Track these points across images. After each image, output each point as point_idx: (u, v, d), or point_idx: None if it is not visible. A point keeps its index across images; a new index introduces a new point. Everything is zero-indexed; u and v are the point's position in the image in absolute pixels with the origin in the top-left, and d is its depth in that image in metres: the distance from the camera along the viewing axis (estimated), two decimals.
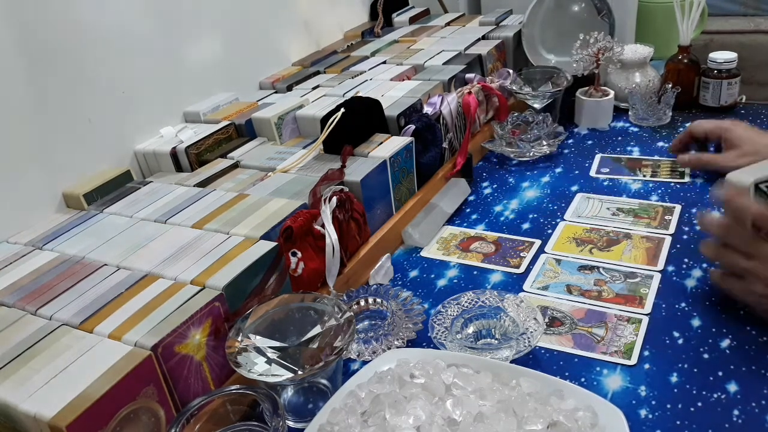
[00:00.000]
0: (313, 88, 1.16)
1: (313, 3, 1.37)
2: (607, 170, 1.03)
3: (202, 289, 0.65)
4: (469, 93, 1.09)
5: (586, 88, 1.22)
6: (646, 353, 0.67)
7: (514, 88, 1.19)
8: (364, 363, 0.67)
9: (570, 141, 1.17)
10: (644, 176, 0.99)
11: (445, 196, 0.99)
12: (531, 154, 1.10)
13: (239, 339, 0.61)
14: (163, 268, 0.69)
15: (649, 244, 0.85)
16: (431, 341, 0.69)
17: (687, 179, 0.95)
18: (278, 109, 1.03)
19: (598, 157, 1.08)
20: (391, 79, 1.15)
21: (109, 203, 0.87)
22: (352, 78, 1.18)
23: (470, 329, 0.72)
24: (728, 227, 0.67)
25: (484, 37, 1.33)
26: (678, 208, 0.92)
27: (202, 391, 0.63)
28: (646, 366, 0.66)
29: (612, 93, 1.20)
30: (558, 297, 0.77)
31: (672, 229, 0.87)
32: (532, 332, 0.68)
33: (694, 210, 0.91)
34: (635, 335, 0.70)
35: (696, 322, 0.71)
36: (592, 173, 1.04)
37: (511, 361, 0.64)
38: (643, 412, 0.61)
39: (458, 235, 0.93)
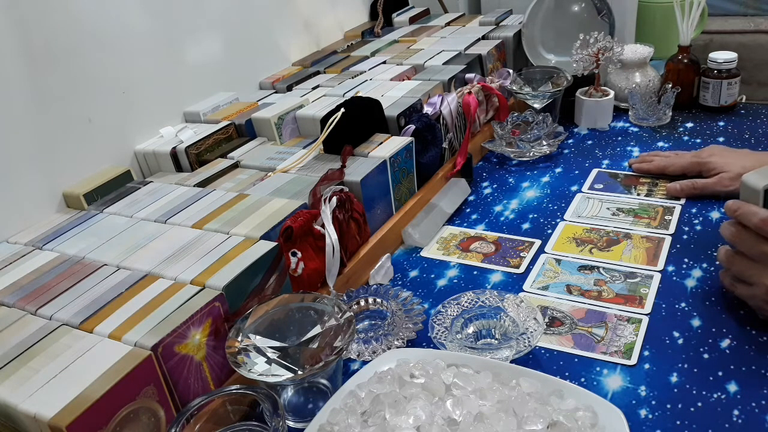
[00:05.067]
0: (313, 88, 1.16)
1: (313, 3, 1.37)
2: (601, 186, 1.00)
3: (202, 289, 0.65)
4: (469, 93, 1.09)
5: (586, 88, 1.22)
6: (646, 353, 0.67)
7: (514, 88, 1.19)
8: (364, 363, 0.67)
9: (570, 141, 1.17)
10: (638, 195, 0.96)
11: (445, 196, 0.99)
12: (531, 154, 1.10)
13: (239, 339, 0.61)
14: (163, 268, 0.69)
15: (649, 244, 0.85)
16: (431, 341, 0.69)
17: (683, 200, 0.94)
18: (278, 109, 1.03)
19: (594, 172, 1.04)
20: (391, 79, 1.15)
21: (109, 203, 0.87)
22: (352, 78, 1.18)
23: (470, 329, 0.72)
24: (739, 233, 0.67)
25: (484, 37, 1.33)
26: (678, 207, 0.92)
27: (202, 391, 0.63)
28: (646, 366, 0.66)
29: (612, 93, 1.20)
30: (558, 297, 0.77)
31: (672, 229, 0.87)
32: (532, 332, 0.68)
33: (694, 210, 0.91)
34: (635, 335, 0.70)
35: (696, 322, 0.71)
36: (585, 189, 1.00)
37: (511, 361, 0.64)
38: (643, 412, 0.61)
39: (458, 235, 0.93)
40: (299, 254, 0.75)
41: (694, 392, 0.62)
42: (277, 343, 0.61)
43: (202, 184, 0.90)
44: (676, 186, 0.95)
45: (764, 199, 0.65)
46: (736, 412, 0.59)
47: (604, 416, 0.54)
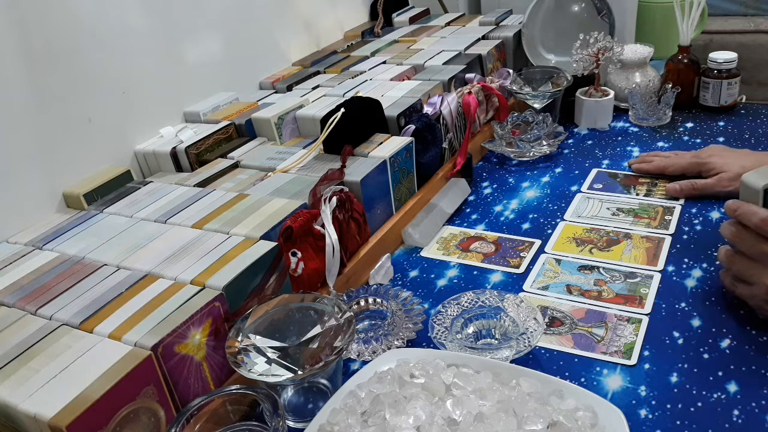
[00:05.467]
0: (313, 88, 1.16)
1: (313, 3, 1.37)
2: (600, 186, 1.00)
3: (202, 289, 0.65)
4: (469, 93, 1.09)
5: (586, 88, 1.22)
6: (646, 353, 0.67)
7: (514, 88, 1.19)
8: (364, 363, 0.67)
9: (570, 141, 1.17)
10: (637, 195, 0.96)
11: (445, 196, 0.99)
12: (531, 154, 1.10)
13: (239, 339, 0.61)
14: (163, 268, 0.69)
15: (649, 244, 0.85)
16: (431, 341, 0.69)
17: (683, 200, 0.94)
18: (278, 109, 1.03)
19: (593, 172, 1.05)
20: (391, 79, 1.15)
21: (109, 203, 0.87)
22: (352, 78, 1.18)
23: (470, 329, 0.72)
24: (739, 233, 0.67)
25: (484, 37, 1.33)
26: (678, 207, 0.92)
27: (202, 391, 0.63)
28: (646, 366, 0.66)
29: (612, 93, 1.20)
30: (558, 297, 0.77)
31: (672, 229, 0.87)
32: (532, 332, 0.68)
33: (694, 210, 0.91)
34: (635, 335, 0.70)
35: (696, 322, 0.71)
36: (584, 189, 1.00)
37: (511, 361, 0.64)
38: (643, 412, 0.61)
39: (458, 235, 0.93)
40: (299, 254, 0.75)
41: (694, 392, 0.62)
42: (277, 343, 0.61)
43: (202, 184, 0.90)
44: (676, 186, 0.95)
45: (764, 199, 0.66)
46: (736, 412, 0.59)
47: (604, 416, 0.54)
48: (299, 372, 0.58)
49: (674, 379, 0.64)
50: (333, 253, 0.77)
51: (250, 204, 0.80)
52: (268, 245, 0.70)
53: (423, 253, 0.90)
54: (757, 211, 0.65)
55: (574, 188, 1.01)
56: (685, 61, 1.19)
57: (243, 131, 1.03)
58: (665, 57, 1.24)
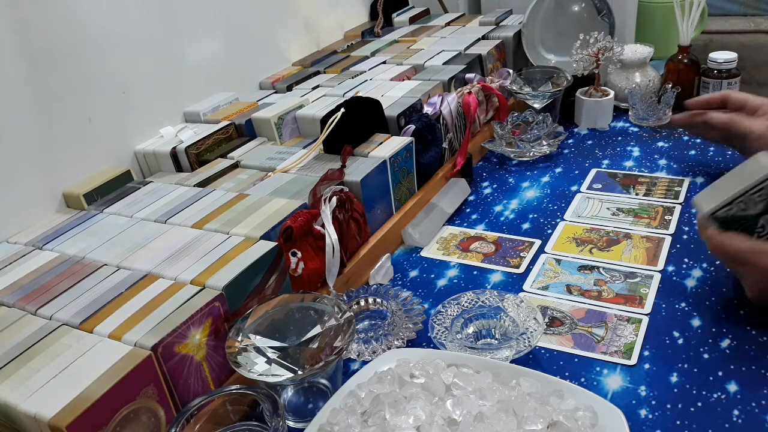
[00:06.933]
0: (313, 88, 1.16)
1: (313, 3, 1.37)
2: (600, 186, 1.00)
3: (202, 289, 0.65)
4: (469, 93, 1.09)
5: (586, 88, 1.22)
6: (646, 353, 0.67)
7: (514, 88, 1.19)
8: (364, 363, 0.67)
9: (570, 141, 1.17)
10: (637, 194, 0.96)
11: (445, 196, 0.99)
12: (531, 154, 1.10)
13: (239, 339, 0.61)
14: (163, 268, 0.69)
15: (649, 244, 0.85)
16: (431, 341, 0.69)
17: (681, 199, 0.94)
18: (278, 109, 1.03)
19: (592, 172, 1.05)
20: (391, 79, 1.15)
21: (109, 203, 0.87)
22: (352, 78, 1.18)
23: (470, 329, 0.72)
24: (713, 249, 0.70)
25: (484, 37, 1.33)
26: (678, 207, 0.92)
27: (202, 391, 0.63)
28: (646, 366, 0.66)
29: (612, 93, 1.20)
30: (558, 297, 0.77)
31: (672, 229, 0.87)
32: (532, 332, 0.68)
33: (694, 210, 0.91)
34: (635, 335, 0.70)
35: (696, 322, 0.71)
36: (583, 188, 1.00)
37: (511, 361, 0.64)
38: (643, 412, 0.61)
39: (458, 235, 0.93)
40: (299, 254, 0.75)
41: (694, 392, 0.62)
42: (277, 343, 0.61)
43: (202, 184, 0.90)
44: (716, 115, 0.94)
45: (716, 221, 0.67)
46: (736, 412, 0.59)
47: (604, 416, 0.54)
48: (299, 372, 0.58)
49: (674, 379, 0.64)
50: (333, 253, 0.77)
51: (250, 204, 0.80)
52: (268, 245, 0.70)
53: (423, 253, 0.90)
54: (709, 236, 0.68)
55: (574, 188, 1.01)
56: (685, 61, 1.19)
57: (243, 131, 1.03)
58: (665, 57, 1.24)
